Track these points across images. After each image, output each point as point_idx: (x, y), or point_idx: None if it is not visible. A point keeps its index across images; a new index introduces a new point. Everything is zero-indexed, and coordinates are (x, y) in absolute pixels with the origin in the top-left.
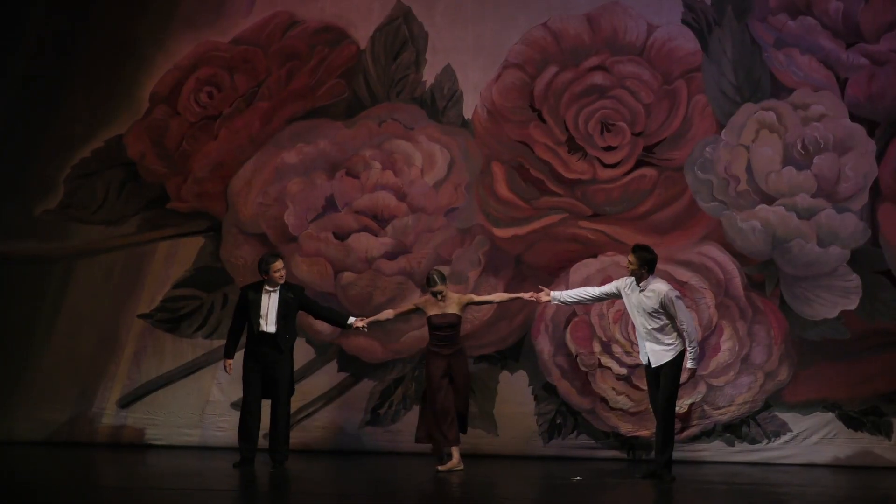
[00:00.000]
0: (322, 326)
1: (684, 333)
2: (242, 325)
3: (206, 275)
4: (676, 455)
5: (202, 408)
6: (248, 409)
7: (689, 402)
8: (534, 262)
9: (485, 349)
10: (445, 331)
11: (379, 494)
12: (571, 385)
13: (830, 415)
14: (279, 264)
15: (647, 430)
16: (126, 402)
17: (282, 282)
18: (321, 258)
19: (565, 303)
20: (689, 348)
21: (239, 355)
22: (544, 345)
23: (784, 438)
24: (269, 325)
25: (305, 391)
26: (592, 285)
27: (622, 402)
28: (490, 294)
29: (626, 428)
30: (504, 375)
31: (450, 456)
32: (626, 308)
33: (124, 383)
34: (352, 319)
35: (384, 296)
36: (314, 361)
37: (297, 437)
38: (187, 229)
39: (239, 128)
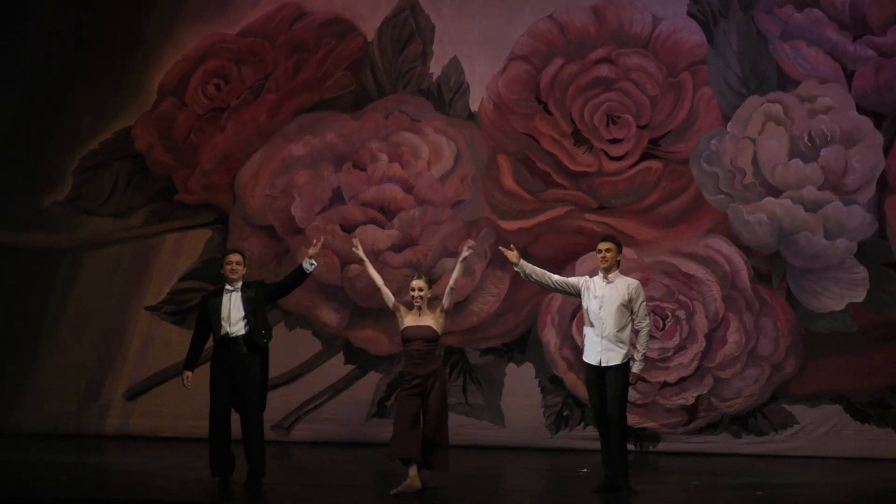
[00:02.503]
0: (329, 318)
1: (642, 333)
2: (205, 333)
3: (214, 267)
4: (683, 447)
5: (209, 399)
6: (217, 424)
7: (695, 394)
8: (540, 254)
9: (491, 341)
10: (418, 344)
11: (385, 486)
12: (578, 377)
13: (837, 407)
14: (232, 257)
15: (653, 422)
16: (133, 395)
17: (235, 276)
18: (328, 250)
19: (528, 276)
20: (640, 350)
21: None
22: (550, 337)
23: (791, 430)
24: (232, 326)
25: (312, 383)
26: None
27: (631, 394)
28: (448, 288)
29: (632, 420)
30: (510, 368)
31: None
32: (583, 307)
33: (131, 375)
34: (305, 261)
35: (390, 288)
36: (321, 354)
37: (303, 429)
38: (195, 221)
39: (246, 120)
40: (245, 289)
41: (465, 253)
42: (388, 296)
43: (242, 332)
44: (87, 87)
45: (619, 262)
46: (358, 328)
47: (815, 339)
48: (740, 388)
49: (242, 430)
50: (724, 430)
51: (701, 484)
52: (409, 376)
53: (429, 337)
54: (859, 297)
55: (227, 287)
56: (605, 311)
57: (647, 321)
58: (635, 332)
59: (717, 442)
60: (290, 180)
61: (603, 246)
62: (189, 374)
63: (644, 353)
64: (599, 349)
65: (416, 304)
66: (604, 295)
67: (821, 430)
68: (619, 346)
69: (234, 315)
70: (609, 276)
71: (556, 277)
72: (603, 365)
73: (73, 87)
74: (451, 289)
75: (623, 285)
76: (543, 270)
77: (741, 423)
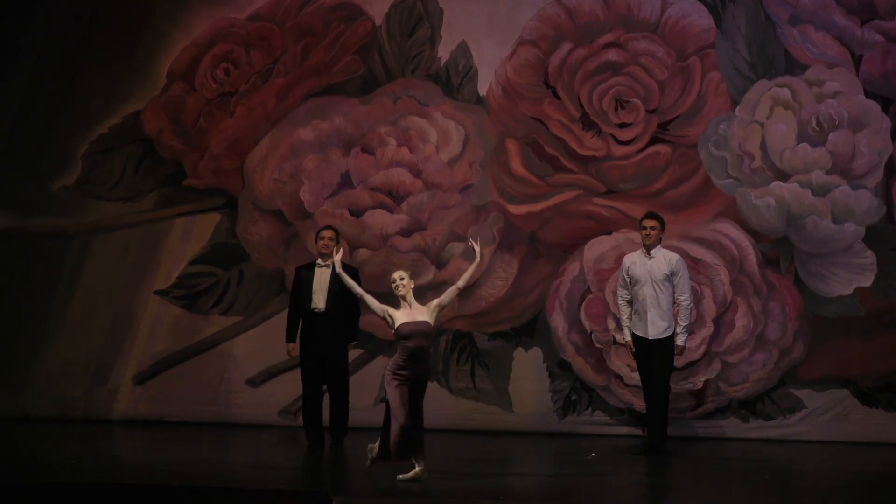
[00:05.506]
0: None
1: (682, 307)
2: (299, 306)
3: (223, 251)
4: (691, 432)
5: (218, 384)
6: (309, 402)
7: (703, 378)
8: (548, 238)
9: (499, 326)
10: (418, 340)
11: (393, 470)
12: (586, 362)
13: (845, 391)
14: (325, 233)
15: None
16: (141, 379)
17: (327, 251)
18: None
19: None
20: (682, 323)
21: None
22: (559, 321)
23: (799, 415)
24: (320, 301)
25: None
26: (607, 262)
27: (637, 378)
28: (455, 286)
29: (640, 404)
30: (519, 352)
31: (412, 465)
32: (629, 284)
33: (140, 360)
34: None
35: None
36: None
37: None
38: (204, 206)
39: (255, 104)
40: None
41: (476, 247)
42: (373, 301)
43: (324, 307)
44: (96, 71)
45: (660, 238)
46: (366, 313)
47: (822, 323)
48: (748, 372)
49: (331, 402)
50: (732, 415)
51: (708, 468)
52: (398, 377)
53: (427, 332)
54: (867, 281)
55: (319, 262)
56: (648, 287)
57: (687, 294)
58: (676, 306)
59: (724, 426)
60: (299, 165)
61: (648, 223)
62: (292, 346)
63: (686, 326)
64: (647, 323)
65: (399, 293)
66: (647, 271)
67: (828, 415)
68: (663, 320)
69: (322, 290)
70: (651, 251)
71: (627, 297)
72: (651, 338)
73: (83, 71)
74: (459, 289)
75: (664, 260)
76: (624, 312)
77: (749, 407)
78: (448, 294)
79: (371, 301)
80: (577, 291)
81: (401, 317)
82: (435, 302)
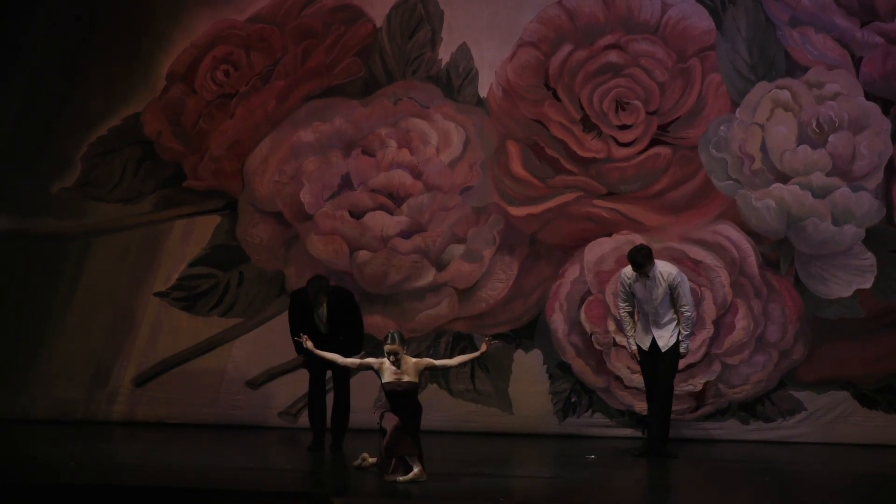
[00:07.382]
0: None
1: (684, 317)
2: (300, 327)
3: (223, 253)
4: (691, 434)
5: (217, 386)
6: (313, 400)
7: (703, 380)
8: (548, 240)
9: (499, 327)
10: (399, 399)
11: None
12: (586, 363)
13: (845, 393)
14: (319, 298)
15: None
16: (141, 381)
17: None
18: (337, 236)
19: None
20: (684, 332)
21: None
22: (559, 323)
23: (799, 417)
24: (323, 329)
25: None
26: (607, 263)
27: (637, 380)
28: (451, 358)
29: (640, 406)
30: (519, 354)
31: (410, 468)
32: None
33: (140, 361)
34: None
35: (399, 274)
36: None
37: None
38: (203, 207)
39: (255, 106)
40: (333, 295)
41: (483, 349)
42: (355, 361)
43: (327, 330)
44: (96, 71)
45: (652, 260)
46: (366, 314)
47: (822, 325)
48: (748, 374)
49: (334, 402)
50: (732, 417)
51: (708, 470)
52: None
53: (410, 390)
54: (867, 283)
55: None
56: (650, 305)
57: (689, 305)
58: (679, 315)
59: (724, 428)
60: (299, 166)
61: (639, 263)
62: (302, 357)
63: (688, 335)
64: (651, 336)
65: (393, 366)
66: (647, 291)
67: (828, 417)
68: (667, 332)
69: (322, 321)
70: (649, 273)
71: (629, 310)
72: (663, 350)
73: (83, 71)
74: (452, 366)
75: (662, 279)
76: (627, 323)
77: (749, 409)
78: (440, 363)
79: (354, 363)
80: (577, 293)
81: (387, 374)
82: (426, 362)
